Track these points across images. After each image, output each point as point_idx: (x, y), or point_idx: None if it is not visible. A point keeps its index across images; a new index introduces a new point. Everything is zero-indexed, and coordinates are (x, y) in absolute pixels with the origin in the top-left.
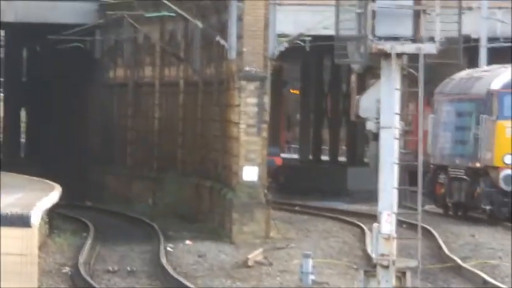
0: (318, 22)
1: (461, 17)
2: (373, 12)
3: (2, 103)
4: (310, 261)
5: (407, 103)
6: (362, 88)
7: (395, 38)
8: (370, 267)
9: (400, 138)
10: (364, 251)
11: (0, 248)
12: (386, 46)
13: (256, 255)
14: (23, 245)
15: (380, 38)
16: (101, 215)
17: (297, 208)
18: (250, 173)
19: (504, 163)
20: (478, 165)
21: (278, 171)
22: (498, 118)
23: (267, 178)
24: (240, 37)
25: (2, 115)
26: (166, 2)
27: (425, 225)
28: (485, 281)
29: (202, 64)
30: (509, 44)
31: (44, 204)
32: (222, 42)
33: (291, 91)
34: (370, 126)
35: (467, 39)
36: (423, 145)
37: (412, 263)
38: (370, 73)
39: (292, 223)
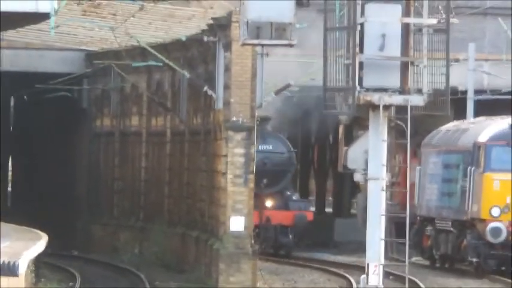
0: (306, 73)
1: (448, 69)
2: (361, 63)
3: None
4: None
5: (395, 154)
6: (349, 139)
7: (383, 90)
8: None
9: (387, 189)
10: None
11: None
12: (375, 97)
13: None
14: None
15: (368, 90)
16: (88, 264)
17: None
18: (237, 223)
19: (491, 216)
20: (465, 217)
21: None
22: (485, 170)
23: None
24: (227, 87)
25: None
26: (153, 51)
27: (412, 277)
28: None
29: (189, 114)
30: (496, 97)
31: (31, 253)
32: (209, 92)
33: None
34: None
35: (454, 91)
36: (410, 197)
37: None
38: (357, 124)
39: (279, 274)
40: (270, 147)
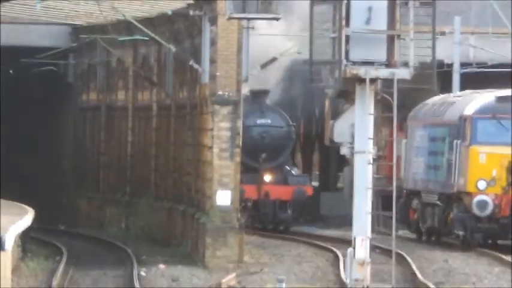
0: (292, 46)
1: (435, 43)
2: (347, 37)
3: None
4: (284, 286)
5: (381, 128)
6: (335, 113)
7: (370, 63)
8: None
9: (374, 163)
10: (338, 276)
11: None
12: (361, 71)
13: (229, 279)
14: None
15: (354, 63)
16: (74, 239)
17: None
18: (223, 198)
19: (477, 189)
20: (451, 190)
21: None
22: (471, 143)
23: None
24: (213, 61)
25: None
26: (139, 25)
27: (398, 251)
28: None
29: (175, 88)
30: (482, 70)
31: (18, 228)
32: (195, 66)
33: None
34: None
35: (440, 64)
36: (396, 170)
37: None
38: (344, 98)
39: (266, 248)
40: (269, 121)
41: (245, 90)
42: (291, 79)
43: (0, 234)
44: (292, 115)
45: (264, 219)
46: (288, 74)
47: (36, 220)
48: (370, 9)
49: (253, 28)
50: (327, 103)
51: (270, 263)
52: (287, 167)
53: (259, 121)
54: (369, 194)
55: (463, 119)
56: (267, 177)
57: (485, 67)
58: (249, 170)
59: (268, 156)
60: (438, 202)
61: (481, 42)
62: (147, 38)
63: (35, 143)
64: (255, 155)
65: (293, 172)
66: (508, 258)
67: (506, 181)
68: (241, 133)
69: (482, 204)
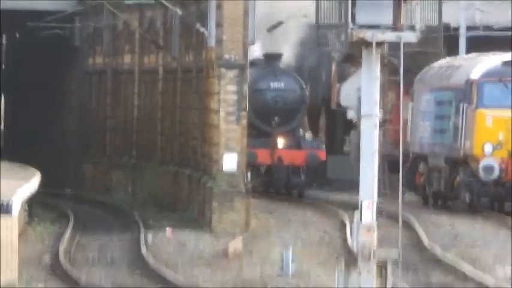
0: (299, 9)
1: (441, 6)
2: (354, 0)
3: None
4: (291, 251)
5: (387, 92)
6: (342, 77)
7: (376, 27)
8: (350, 258)
9: (380, 127)
10: (344, 240)
11: None
12: (367, 34)
13: (236, 244)
14: (3, 233)
15: (360, 27)
16: (81, 203)
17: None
18: (230, 162)
19: (484, 152)
20: (457, 154)
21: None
22: (478, 107)
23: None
24: (219, 25)
25: None
26: None
27: (405, 213)
28: (465, 271)
29: (182, 52)
30: (488, 33)
31: (24, 192)
32: (202, 29)
33: None
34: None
35: (446, 28)
36: (403, 134)
37: (393, 254)
38: (350, 62)
39: (272, 212)
40: (282, 85)
41: (259, 53)
42: (303, 43)
43: (1, 198)
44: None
45: (277, 184)
46: (303, 37)
47: (42, 184)
48: None
49: None
50: (333, 67)
51: (276, 227)
52: (300, 130)
53: (273, 85)
54: (376, 157)
55: (469, 83)
56: (280, 142)
57: (491, 30)
58: (262, 135)
59: (281, 120)
60: (444, 166)
61: (487, 6)
62: (153, 2)
63: (41, 107)
64: (268, 119)
65: (306, 136)
66: None
67: None
68: (247, 97)
69: (489, 169)
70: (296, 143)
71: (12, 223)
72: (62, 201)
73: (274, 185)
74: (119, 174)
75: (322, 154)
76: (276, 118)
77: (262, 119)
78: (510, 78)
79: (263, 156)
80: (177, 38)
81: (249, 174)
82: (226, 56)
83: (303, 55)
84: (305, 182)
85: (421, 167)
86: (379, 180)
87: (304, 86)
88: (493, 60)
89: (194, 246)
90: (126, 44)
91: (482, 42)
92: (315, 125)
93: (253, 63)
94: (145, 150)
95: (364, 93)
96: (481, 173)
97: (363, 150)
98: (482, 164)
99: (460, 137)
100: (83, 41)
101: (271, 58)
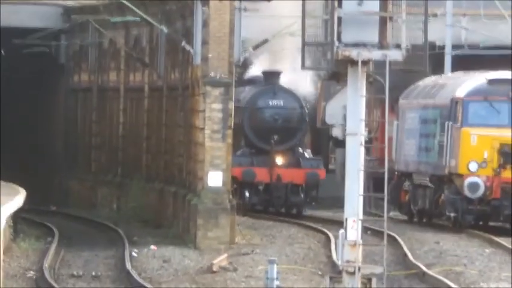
0: (284, 27)
1: (427, 24)
2: (340, 18)
3: None
4: (275, 267)
5: (373, 110)
6: (328, 95)
7: (362, 45)
8: (335, 274)
9: (366, 145)
10: (329, 257)
11: None
12: (353, 53)
13: (221, 260)
14: None
15: (346, 45)
16: (66, 220)
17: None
18: (215, 179)
19: (469, 170)
20: (442, 172)
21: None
22: (463, 125)
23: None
24: (205, 42)
25: None
26: (131, 6)
27: (390, 232)
28: None
29: (167, 69)
30: (474, 52)
31: (9, 208)
32: (187, 47)
33: None
34: (336, 132)
35: (432, 46)
36: (388, 152)
37: (378, 270)
38: (336, 80)
39: (257, 229)
40: (281, 103)
41: (258, 71)
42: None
43: None
44: None
45: (276, 203)
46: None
47: (27, 201)
48: None
49: (245, 10)
50: (319, 85)
51: (261, 244)
52: (300, 149)
53: (272, 102)
54: (361, 175)
55: (454, 101)
56: (279, 160)
57: (477, 49)
58: (261, 153)
59: (281, 139)
60: (429, 184)
61: (472, 24)
62: (139, 19)
63: (26, 124)
64: (267, 137)
65: (306, 155)
66: (499, 240)
67: (497, 163)
68: (233, 114)
69: (474, 186)
70: (295, 162)
71: None
72: (47, 217)
73: (273, 203)
74: (104, 190)
75: (321, 173)
76: (275, 136)
77: (261, 137)
78: (495, 97)
79: (262, 175)
80: (163, 55)
81: (246, 192)
82: (212, 74)
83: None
84: (304, 201)
85: (406, 185)
86: (364, 198)
87: (303, 105)
88: (478, 78)
89: (179, 263)
90: (111, 62)
91: (467, 60)
92: None
93: (251, 81)
94: (131, 167)
95: (349, 111)
96: (466, 191)
97: (348, 168)
98: (467, 181)
99: (445, 155)
100: (68, 58)
101: (271, 76)
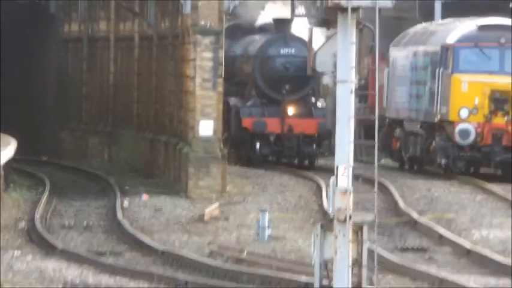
0: None
1: None
2: None
3: None
4: (267, 216)
5: (363, 57)
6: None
7: None
8: (326, 221)
9: (356, 92)
10: (320, 205)
11: None
12: (343, 0)
13: (212, 209)
14: None
15: None
16: (57, 170)
17: None
18: (206, 128)
19: (460, 117)
20: (433, 119)
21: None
22: (453, 72)
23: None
24: None
25: None
26: None
27: (381, 180)
28: (441, 235)
29: (157, 18)
30: None
31: (0, 158)
32: None
33: None
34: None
35: None
36: (379, 99)
37: (369, 217)
38: (326, 27)
39: (248, 177)
40: (292, 51)
41: (268, 18)
42: None
43: None
44: None
45: (288, 154)
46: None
47: (18, 151)
48: None
49: None
50: (309, 32)
51: (253, 192)
52: (313, 99)
53: (283, 51)
54: (352, 123)
55: (445, 48)
56: (291, 110)
57: None
58: (272, 103)
59: (292, 88)
60: (420, 131)
61: None
62: None
63: (17, 74)
64: (278, 86)
65: (319, 104)
66: (490, 186)
67: (488, 109)
68: (223, 63)
69: (465, 133)
70: (307, 111)
71: None
72: (39, 168)
73: (285, 154)
74: (95, 140)
75: None
76: (287, 86)
77: (272, 87)
78: (485, 43)
79: (273, 126)
80: (153, 4)
81: (257, 143)
82: (202, 23)
83: None
84: (317, 151)
85: (397, 132)
86: (355, 145)
87: (315, 52)
88: (468, 25)
89: (170, 212)
90: (101, 11)
91: (457, 7)
92: None
93: (262, 29)
94: (122, 117)
95: (339, 59)
96: (457, 137)
97: (339, 116)
98: (458, 128)
99: (436, 102)
100: (58, 8)
101: (281, 23)
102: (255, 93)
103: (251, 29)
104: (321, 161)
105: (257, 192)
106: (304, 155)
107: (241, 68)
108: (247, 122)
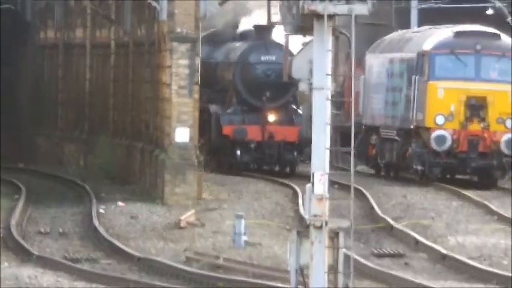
0: None
1: None
2: None
3: None
4: (243, 222)
5: (339, 65)
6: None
7: None
8: (302, 228)
9: (332, 99)
10: (296, 211)
11: None
12: (319, 7)
13: (188, 216)
14: None
15: None
16: (33, 176)
17: None
18: (182, 135)
19: (436, 124)
20: (409, 126)
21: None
22: (429, 79)
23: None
24: None
25: None
26: None
27: (357, 186)
28: (417, 241)
29: (134, 25)
30: (440, 5)
31: None
32: (153, 3)
33: None
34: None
35: (398, 0)
36: (355, 106)
37: (345, 224)
38: (302, 34)
39: (225, 184)
40: (273, 58)
41: (250, 25)
42: None
43: None
44: None
45: (268, 161)
46: None
47: None
48: None
49: None
50: (285, 40)
51: (229, 199)
52: (293, 106)
53: (264, 58)
54: (328, 130)
55: (421, 54)
56: (272, 117)
57: (443, 3)
58: (253, 110)
59: (273, 95)
60: (397, 137)
61: None
62: None
63: None
64: (258, 93)
65: (299, 111)
66: (466, 192)
67: (464, 116)
68: (200, 70)
69: (441, 139)
70: (288, 119)
71: None
72: (15, 174)
73: (266, 162)
74: (71, 147)
75: None
76: (268, 93)
77: (253, 94)
78: (461, 50)
79: (253, 133)
80: (129, 11)
81: (237, 151)
82: (178, 30)
83: None
84: (297, 159)
85: (374, 138)
86: (331, 152)
87: (292, 59)
88: (444, 32)
89: (146, 219)
90: (78, 18)
91: (433, 14)
92: None
93: (243, 36)
94: (98, 124)
95: (316, 66)
96: (433, 144)
97: (315, 122)
98: (434, 134)
99: (412, 109)
100: (34, 15)
101: (262, 30)
102: (235, 100)
103: (232, 36)
104: (300, 168)
105: (233, 199)
106: (285, 162)
107: (222, 75)
108: (227, 130)
